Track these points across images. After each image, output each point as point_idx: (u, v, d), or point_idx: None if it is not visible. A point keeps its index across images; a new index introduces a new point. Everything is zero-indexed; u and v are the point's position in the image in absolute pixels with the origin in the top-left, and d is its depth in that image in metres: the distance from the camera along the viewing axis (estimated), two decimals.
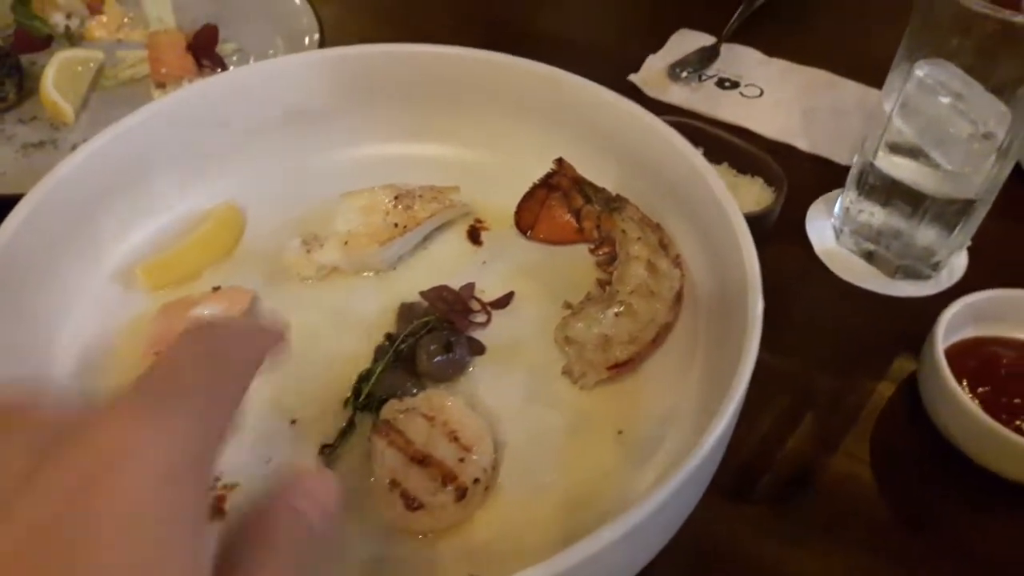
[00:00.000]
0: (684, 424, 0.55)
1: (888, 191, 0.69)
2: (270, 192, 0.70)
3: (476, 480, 0.50)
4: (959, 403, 0.57)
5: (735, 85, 0.93)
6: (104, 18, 0.96)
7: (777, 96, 0.92)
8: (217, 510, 0.51)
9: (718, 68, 0.95)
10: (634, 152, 0.66)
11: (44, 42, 0.92)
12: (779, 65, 0.96)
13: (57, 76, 0.84)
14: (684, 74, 0.91)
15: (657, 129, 0.64)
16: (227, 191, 0.69)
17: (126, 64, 0.90)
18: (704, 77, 0.93)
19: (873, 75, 0.91)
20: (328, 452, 0.53)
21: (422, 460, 0.50)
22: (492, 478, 0.52)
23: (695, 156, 0.61)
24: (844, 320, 0.70)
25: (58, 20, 0.94)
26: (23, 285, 0.56)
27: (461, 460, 0.50)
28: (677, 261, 0.62)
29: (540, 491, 0.52)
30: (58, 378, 0.56)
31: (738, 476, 0.59)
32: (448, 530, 0.50)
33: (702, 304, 0.61)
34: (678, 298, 0.61)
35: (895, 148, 0.67)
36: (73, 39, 0.94)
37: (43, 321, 0.58)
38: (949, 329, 0.61)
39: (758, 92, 0.92)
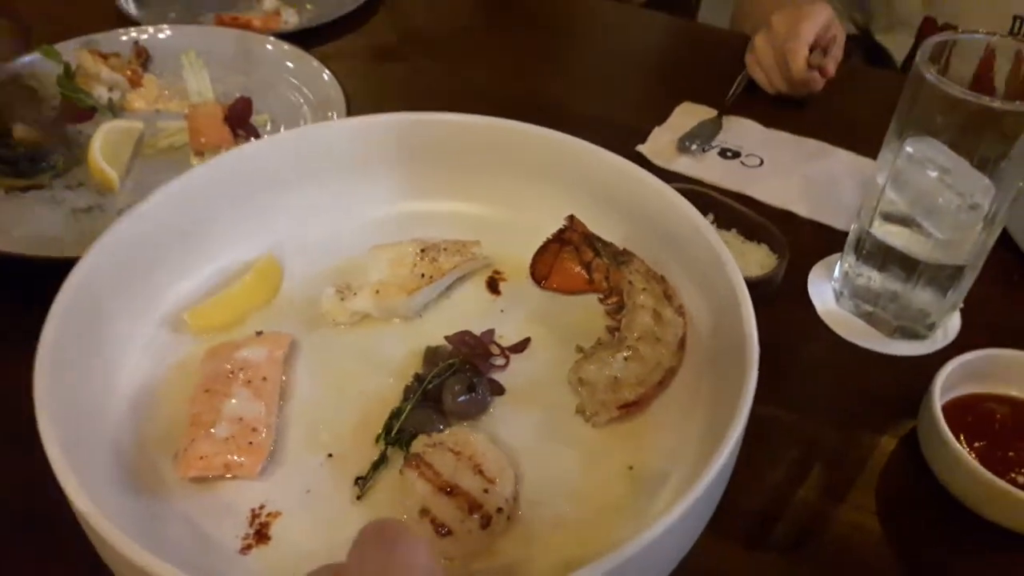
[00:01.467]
0: (689, 461, 0.60)
1: (884, 256, 0.75)
2: (307, 245, 0.77)
3: (499, 509, 0.55)
4: (958, 457, 0.61)
5: (736, 155, 1.00)
6: (143, 90, 1.04)
7: (776, 165, 0.98)
8: (262, 535, 0.55)
9: (721, 139, 1.02)
10: (640, 212, 0.73)
11: (88, 113, 0.99)
12: (777, 136, 1.03)
13: (103, 145, 0.90)
14: (693, 147, 0.98)
15: (663, 192, 0.71)
16: (267, 244, 0.76)
17: (165, 134, 0.97)
18: (707, 148, 1.00)
19: (864, 145, 0.99)
20: (362, 483, 0.59)
21: (450, 490, 0.55)
22: (514, 508, 0.57)
23: (697, 217, 0.68)
24: (846, 377, 0.76)
25: (101, 92, 1.02)
26: (85, 333, 0.62)
27: (485, 491, 0.55)
28: (680, 310, 0.68)
29: (557, 522, 0.57)
30: (113, 417, 0.62)
31: (750, 524, 0.63)
32: (474, 555, 0.55)
33: (703, 351, 0.67)
34: (681, 344, 0.67)
35: (888, 217, 0.73)
36: (115, 110, 1.01)
37: (100, 366, 0.63)
38: (946, 386, 0.66)
39: (758, 162, 0.99)
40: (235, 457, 0.57)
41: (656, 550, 0.47)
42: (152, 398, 0.65)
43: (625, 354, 0.64)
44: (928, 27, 1.23)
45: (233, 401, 0.60)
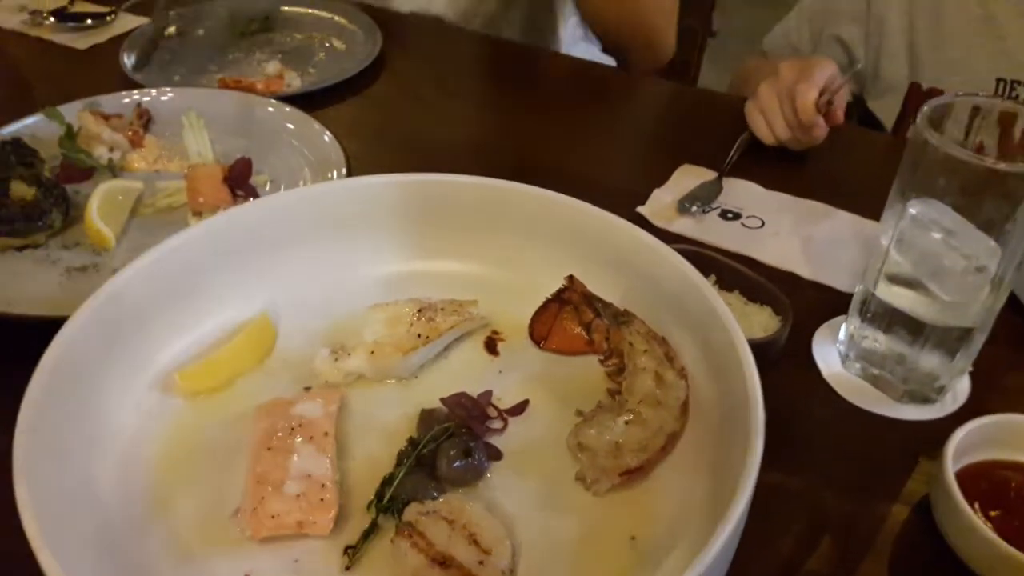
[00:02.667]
0: (694, 531, 0.58)
1: (890, 318, 0.74)
2: (303, 304, 0.77)
3: None
4: (973, 527, 0.60)
5: (737, 216, 1.01)
6: (144, 151, 1.06)
7: (777, 227, 0.99)
8: None
9: (721, 200, 1.02)
10: (640, 272, 0.73)
11: (87, 173, 1.01)
12: (778, 198, 1.04)
13: (100, 204, 0.91)
14: (693, 208, 0.99)
15: (663, 253, 0.71)
16: (262, 303, 0.76)
17: (164, 193, 0.98)
18: (708, 209, 1.01)
19: (865, 206, 0.99)
20: (352, 553, 0.57)
21: (443, 562, 0.54)
22: None
23: (698, 277, 0.68)
24: (854, 442, 0.74)
25: (102, 153, 1.03)
26: (72, 393, 0.61)
27: (480, 562, 0.54)
28: (682, 373, 0.68)
29: None
30: (99, 476, 0.60)
31: None
32: None
33: (706, 415, 0.66)
34: (684, 408, 0.66)
35: (894, 279, 0.73)
36: (115, 170, 1.02)
37: (88, 425, 0.62)
38: (958, 452, 0.64)
39: (759, 223, 1.00)
40: (308, 515, 0.57)
41: None
42: (140, 458, 0.64)
43: (626, 418, 0.63)
44: (914, 92, 1.26)
45: (297, 458, 0.60)
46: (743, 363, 0.60)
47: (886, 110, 1.30)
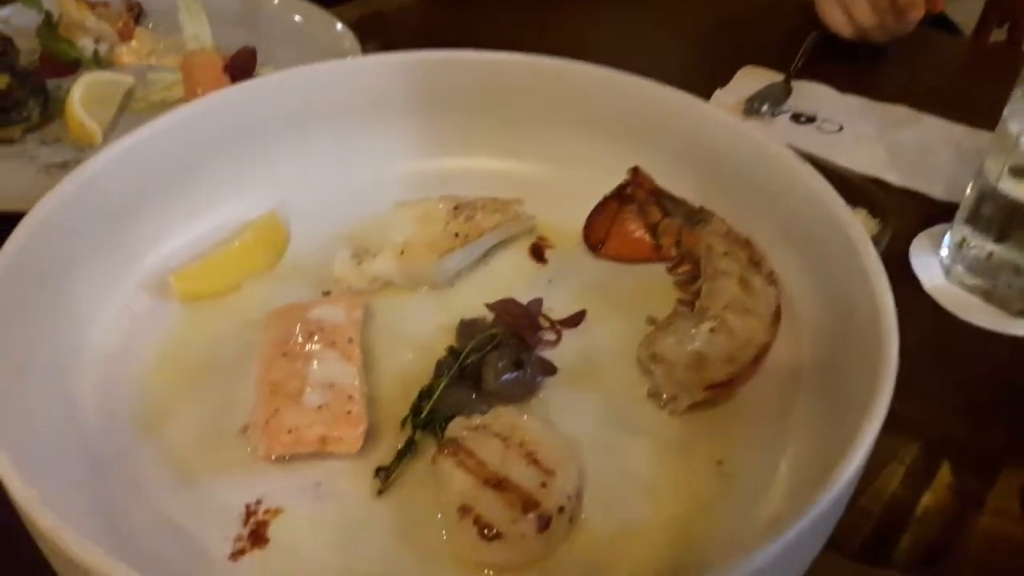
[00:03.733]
0: (797, 461, 0.50)
1: (1008, 222, 0.66)
2: (317, 202, 0.68)
3: (560, 508, 0.45)
4: None
5: (811, 120, 0.93)
6: (134, 43, 0.96)
7: (858, 131, 0.91)
8: (258, 537, 0.45)
9: (791, 104, 0.95)
10: (721, 162, 0.63)
11: (71, 67, 0.92)
12: (855, 101, 0.96)
13: (84, 96, 0.83)
14: (763, 108, 0.91)
15: (752, 138, 0.61)
16: (270, 200, 0.67)
17: (159, 87, 0.90)
18: (777, 112, 0.93)
19: (950, 112, 0.89)
20: (385, 475, 0.49)
21: (498, 483, 0.45)
22: (577, 508, 0.47)
23: (800, 165, 0.58)
24: (969, 362, 0.66)
25: (86, 44, 0.94)
26: (45, 288, 0.53)
27: (543, 485, 0.45)
28: (772, 278, 0.58)
29: (630, 527, 0.47)
30: (81, 396, 0.52)
31: (869, 537, 0.53)
32: (527, 565, 0.44)
33: (805, 330, 0.57)
34: (776, 318, 0.56)
35: (1021, 172, 0.64)
36: (102, 64, 0.94)
37: (63, 335, 0.54)
38: None
39: (837, 127, 0.92)
40: (332, 430, 0.48)
41: (776, 566, 0.37)
42: (128, 371, 0.55)
43: (711, 325, 0.54)
44: None
45: (317, 364, 0.51)
46: (869, 273, 0.50)
47: (965, 13, 1.20)
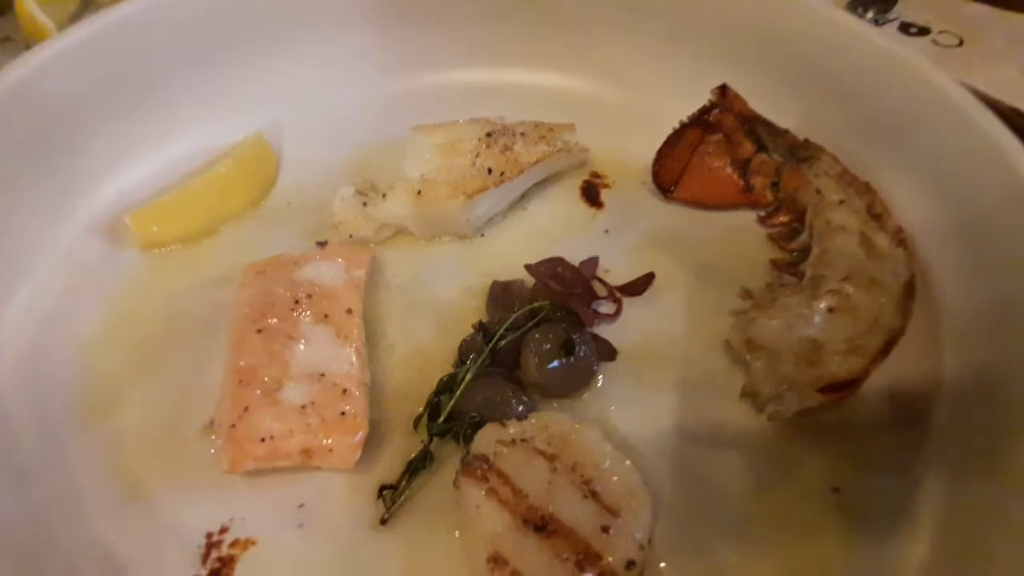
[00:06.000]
0: (942, 492, 0.38)
1: None
2: (314, 124, 0.55)
3: (629, 563, 0.33)
4: None
5: (925, 31, 0.78)
6: None
7: (983, 47, 0.75)
8: None
9: (899, 11, 0.79)
10: (836, 81, 0.50)
11: None
12: (978, 10, 0.79)
13: None
14: (868, 14, 0.75)
15: (878, 47, 0.48)
16: (256, 120, 0.54)
17: None
18: (883, 21, 0.78)
19: None
20: (391, 497, 0.37)
21: (543, 524, 0.34)
22: (650, 557, 0.35)
23: (947, 84, 0.44)
24: None
25: None
26: None
27: (605, 529, 0.34)
28: (900, 237, 0.45)
29: None
30: (4, 356, 0.41)
31: None
32: None
33: (948, 312, 0.44)
34: (908, 292, 0.43)
35: None
36: None
37: None
38: None
39: (956, 41, 0.77)
40: (319, 438, 0.38)
41: None
42: (65, 342, 0.45)
43: (829, 303, 0.41)
44: None
45: (303, 346, 0.40)
46: None
47: None
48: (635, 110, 0.56)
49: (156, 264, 0.48)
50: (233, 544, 0.37)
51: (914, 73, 0.47)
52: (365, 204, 0.50)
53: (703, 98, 0.53)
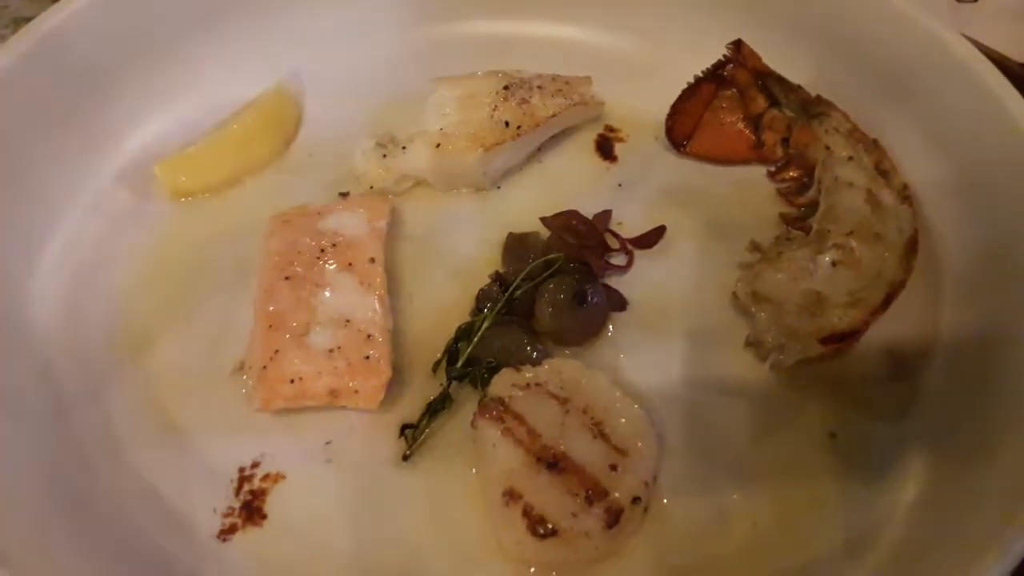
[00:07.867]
0: (936, 439, 0.40)
1: None
2: (334, 77, 0.56)
3: (635, 499, 0.36)
4: None
5: None
6: None
7: (999, 3, 0.74)
8: (253, 511, 0.38)
9: None
10: (851, 37, 0.51)
11: None
12: None
13: None
14: None
15: (895, 7, 0.48)
16: (277, 71, 0.56)
17: None
18: None
19: None
20: (412, 435, 0.40)
21: (555, 462, 0.36)
22: (653, 495, 0.38)
23: (960, 44, 0.45)
24: None
25: None
26: None
27: (613, 467, 0.36)
28: (905, 193, 0.47)
29: (720, 517, 0.39)
30: (41, 313, 0.44)
31: None
32: (586, 567, 0.36)
33: (949, 266, 0.46)
34: (911, 248, 0.45)
35: None
36: None
37: (18, 233, 0.46)
38: None
39: None
40: (345, 380, 0.40)
41: None
42: (100, 287, 0.47)
43: (833, 256, 0.43)
44: None
45: (329, 293, 0.42)
46: None
47: None
48: (650, 64, 0.57)
49: (184, 213, 0.50)
50: (264, 478, 0.39)
51: (925, 31, 0.47)
52: (385, 156, 0.52)
53: (718, 53, 0.53)
